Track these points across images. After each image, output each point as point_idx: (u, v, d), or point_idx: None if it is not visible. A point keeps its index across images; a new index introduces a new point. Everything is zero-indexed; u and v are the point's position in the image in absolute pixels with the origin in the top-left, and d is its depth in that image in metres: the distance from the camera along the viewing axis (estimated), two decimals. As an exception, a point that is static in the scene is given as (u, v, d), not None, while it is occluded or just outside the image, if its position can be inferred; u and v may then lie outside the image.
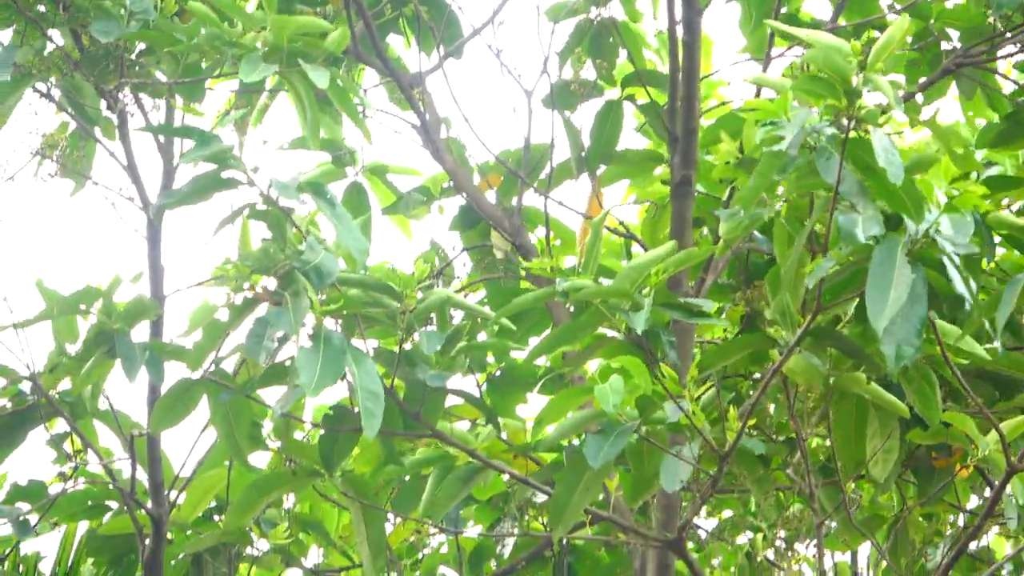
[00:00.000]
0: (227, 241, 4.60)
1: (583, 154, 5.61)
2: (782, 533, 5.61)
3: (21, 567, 5.99)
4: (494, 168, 5.74)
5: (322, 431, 4.81)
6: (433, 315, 4.75)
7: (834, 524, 5.25)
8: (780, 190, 4.20)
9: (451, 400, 4.87)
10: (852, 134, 3.90)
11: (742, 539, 6.17)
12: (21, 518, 5.34)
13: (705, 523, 6.16)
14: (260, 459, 5.54)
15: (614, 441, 4.20)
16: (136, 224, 5.17)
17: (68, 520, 5.48)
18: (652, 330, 4.21)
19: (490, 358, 5.49)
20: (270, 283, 4.47)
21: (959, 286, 4.01)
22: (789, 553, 5.52)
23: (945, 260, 4.04)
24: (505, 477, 5.64)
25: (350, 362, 4.39)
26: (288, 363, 4.51)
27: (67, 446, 5.33)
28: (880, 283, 3.89)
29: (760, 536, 5.90)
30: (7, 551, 5.49)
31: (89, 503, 5.44)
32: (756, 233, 4.92)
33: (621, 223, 5.76)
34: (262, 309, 4.43)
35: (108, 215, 5.85)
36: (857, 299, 4.30)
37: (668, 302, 4.29)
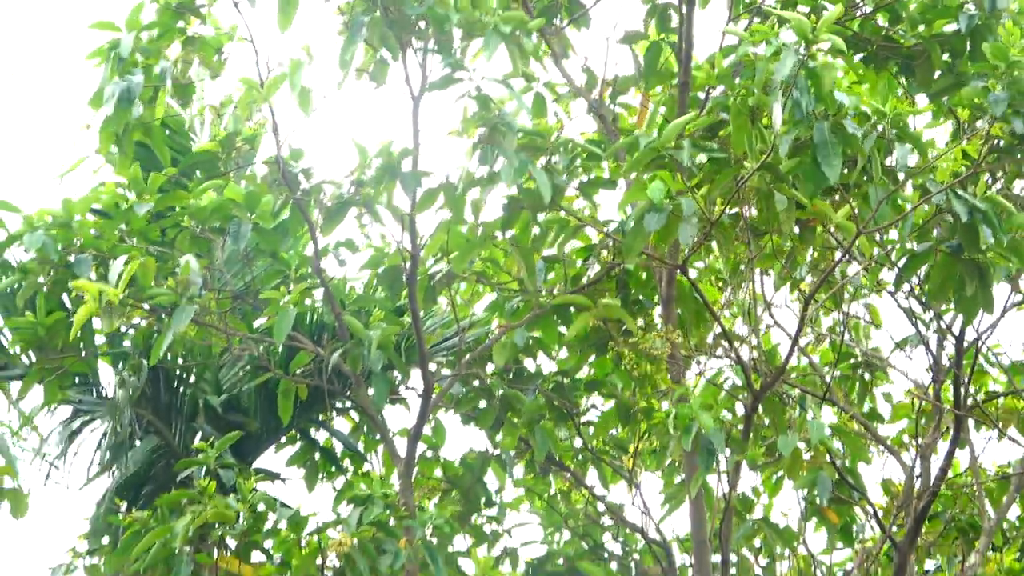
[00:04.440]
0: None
1: (640, 71, 10.48)
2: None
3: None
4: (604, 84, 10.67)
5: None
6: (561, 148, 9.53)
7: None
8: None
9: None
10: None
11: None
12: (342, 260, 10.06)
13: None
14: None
15: (659, 217, 8.95)
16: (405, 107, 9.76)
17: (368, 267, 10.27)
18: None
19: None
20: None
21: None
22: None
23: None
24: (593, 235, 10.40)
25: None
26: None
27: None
28: (825, 150, 8.67)
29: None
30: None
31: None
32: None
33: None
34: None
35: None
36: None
37: (696, 144, 9.06)
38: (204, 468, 9.68)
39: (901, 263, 9.81)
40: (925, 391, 11.04)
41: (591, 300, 9.97)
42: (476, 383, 10.55)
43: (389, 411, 10.75)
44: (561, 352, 10.94)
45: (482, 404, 10.58)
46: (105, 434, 10.93)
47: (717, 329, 10.49)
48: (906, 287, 10.50)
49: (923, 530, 11.36)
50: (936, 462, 10.91)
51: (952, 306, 9.76)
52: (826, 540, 11.44)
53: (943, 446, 10.91)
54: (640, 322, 10.49)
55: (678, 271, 10.07)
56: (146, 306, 9.40)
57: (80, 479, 10.98)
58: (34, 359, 9.88)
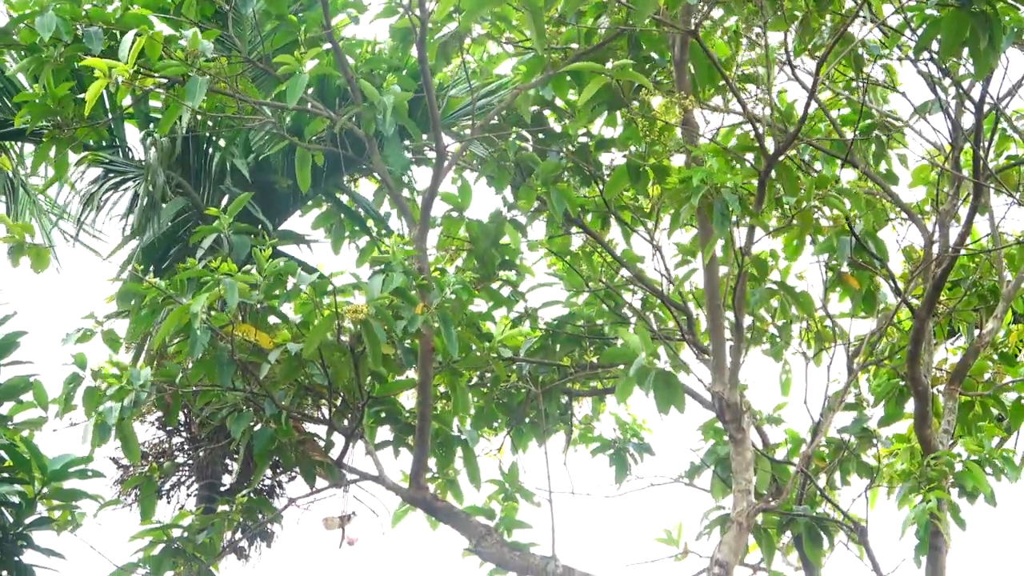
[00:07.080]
0: None
1: None
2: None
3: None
4: None
5: None
6: None
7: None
8: None
9: None
10: None
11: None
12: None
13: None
14: None
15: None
16: None
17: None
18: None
19: None
20: None
21: None
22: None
23: None
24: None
25: None
26: None
27: None
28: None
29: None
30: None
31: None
32: None
33: None
34: None
35: None
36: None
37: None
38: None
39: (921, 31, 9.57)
40: (945, 157, 10.89)
41: (601, 62, 9.84)
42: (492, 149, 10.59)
43: (420, 172, 10.85)
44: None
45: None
46: (136, 195, 11.16)
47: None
48: (926, 53, 10.26)
49: (944, 298, 11.34)
50: (956, 229, 10.83)
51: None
52: (850, 307, 11.48)
53: (964, 213, 10.80)
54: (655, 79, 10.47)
55: (689, 36, 9.93)
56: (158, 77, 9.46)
57: (111, 243, 11.29)
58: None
